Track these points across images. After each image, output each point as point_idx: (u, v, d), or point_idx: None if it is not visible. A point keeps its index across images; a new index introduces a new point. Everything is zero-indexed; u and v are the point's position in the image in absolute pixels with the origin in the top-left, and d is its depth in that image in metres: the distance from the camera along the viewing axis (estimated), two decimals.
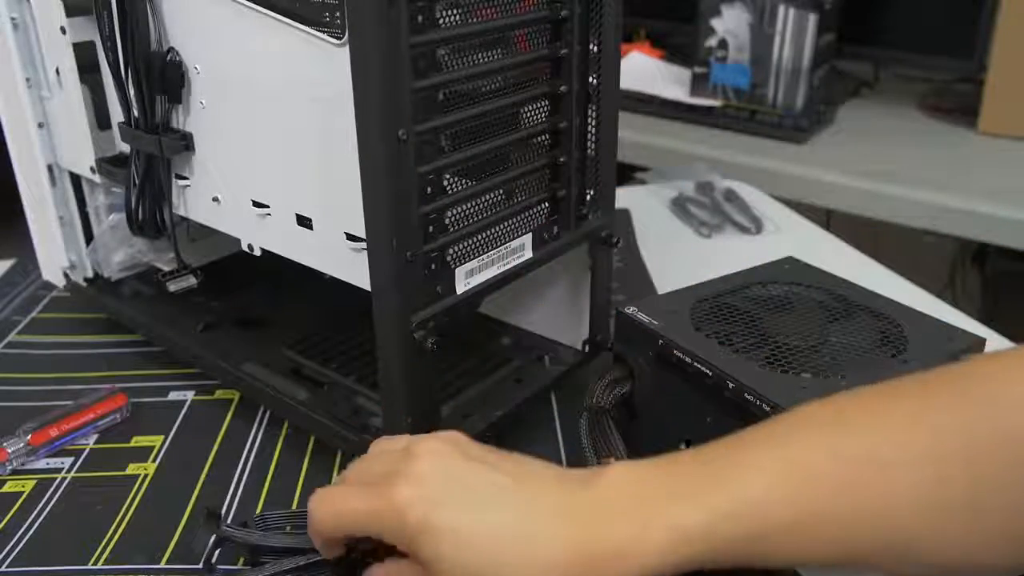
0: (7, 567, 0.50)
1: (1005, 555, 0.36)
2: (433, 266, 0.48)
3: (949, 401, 0.37)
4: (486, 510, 0.37)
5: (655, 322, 0.54)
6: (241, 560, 0.50)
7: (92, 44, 0.60)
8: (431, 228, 0.47)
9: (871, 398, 0.39)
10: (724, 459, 0.38)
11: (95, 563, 0.50)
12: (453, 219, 0.49)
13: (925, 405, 0.37)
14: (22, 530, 0.53)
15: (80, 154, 0.65)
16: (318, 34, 0.44)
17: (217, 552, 0.49)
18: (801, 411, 0.39)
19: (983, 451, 0.35)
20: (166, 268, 0.68)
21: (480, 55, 0.48)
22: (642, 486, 0.38)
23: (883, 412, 0.38)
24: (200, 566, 0.48)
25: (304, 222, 0.51)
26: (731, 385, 0.48)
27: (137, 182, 0.59)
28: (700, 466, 0.38)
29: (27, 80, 0.65)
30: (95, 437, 0.61)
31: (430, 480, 0.38)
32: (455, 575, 0.36)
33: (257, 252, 0.56)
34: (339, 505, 0.40)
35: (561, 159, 0.54)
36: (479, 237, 0.51)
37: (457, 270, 0.50)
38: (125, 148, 0.60)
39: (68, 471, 0.58)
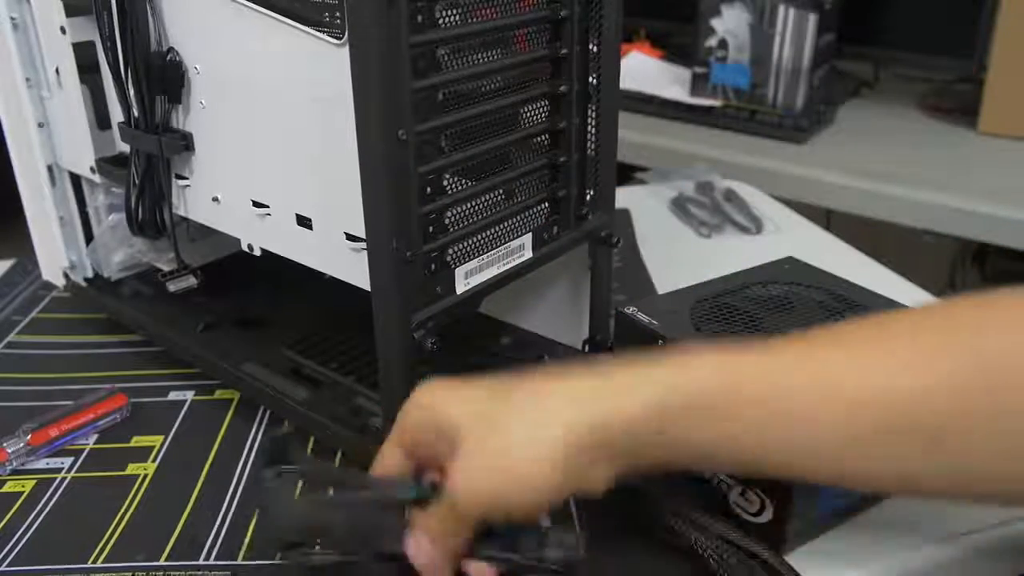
0: (7, 567, 0.50)
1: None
2: (433, 266, 0.48)
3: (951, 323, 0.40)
4: (495, 401, 0.41)
5: (655, 322, 0.54)
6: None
7: (92, 44, 0.60)
8: (431, 228, 0.47)
9: (869, 324, 0.42)
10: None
11: (94, 562, 0.50)
12: (453, 219, 0.49)
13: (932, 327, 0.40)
14: (22, 530, 0.53)
15: (80, 154, 0.65)
16: (318, 34, 0.44)
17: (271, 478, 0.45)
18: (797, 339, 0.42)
19: (997, 369, 0.37)
20: (166, 268, 0.68)
21: (480, 55, 0.48)
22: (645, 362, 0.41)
23: (883, 338, 0.40)
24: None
25: (304, 222, 0.51)
26: None
27: (137, 182, 0.59)
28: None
29: (27, 80, 0.65)
30: (95, 437, 0.61)
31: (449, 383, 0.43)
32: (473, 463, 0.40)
33: (257, 252, 0.56)
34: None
35: (561, 159, 0.54)
36: (479, 237, 0.51)
37: (457, 270, 0.50)
38: (125, 148, 0.60)
39: (68, 471, 0.58)
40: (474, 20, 0.47)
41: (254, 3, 0.47)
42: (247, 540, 0.51)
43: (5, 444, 0.58)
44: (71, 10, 0.59)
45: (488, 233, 0.51)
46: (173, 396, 0.66)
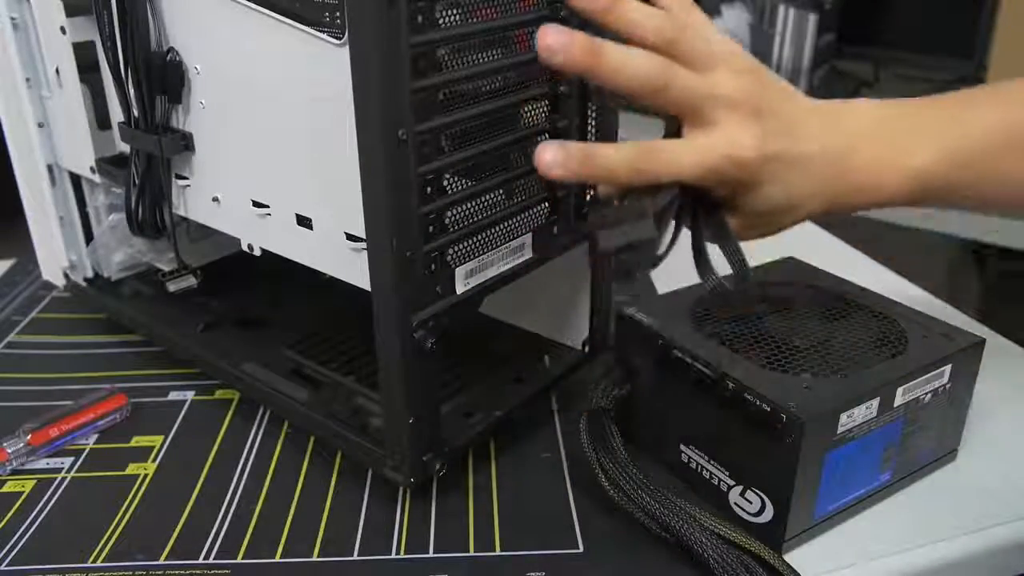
0: (7, 567, 0.50)
1: None
2: (433, 266, 0.48)
3: None
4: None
5: (655, 322, 0.54)
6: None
7: (92, 44, 0.60)
8: (431, 228, 0.47)
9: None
10: (953, 112, 0.48)
11: (94, 562, 0.50)
12: (453, 219, 0.49)
13: None
14: (22, 530, 0.53)
15: (80, 154, 0.65)
16: (318, 34, 0.44)
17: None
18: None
19: None
20: (166, 268, 0.68)
21: (480, 55, 0.48)
22: (884, 126, 0.47)
23: None
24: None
25: (304, 222, 0.51)
26: (731, 385, 0.48)
27: (137, 182, 0.59)
28: (935, 112, 0.48)
29: (27, 80, 0.65)
30: (95, 437, 0.61)
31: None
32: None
33: (257, 252, 0.56)
34: None
35: None
36: (479, 237, 0.51)
37: (457, 270, 0.50)
38: (125, 148, 0.60)
39: (68, 471, 0.58)
40: (474, 20, 0.46)
41: (254, 3, 0.47)
42: (247, 539, 0.51)
43: (5, 444, 0.58)
44: (71, 10, 0.59)
45: (488, 233, 0.51)
46: (173, 396, 0.66)
